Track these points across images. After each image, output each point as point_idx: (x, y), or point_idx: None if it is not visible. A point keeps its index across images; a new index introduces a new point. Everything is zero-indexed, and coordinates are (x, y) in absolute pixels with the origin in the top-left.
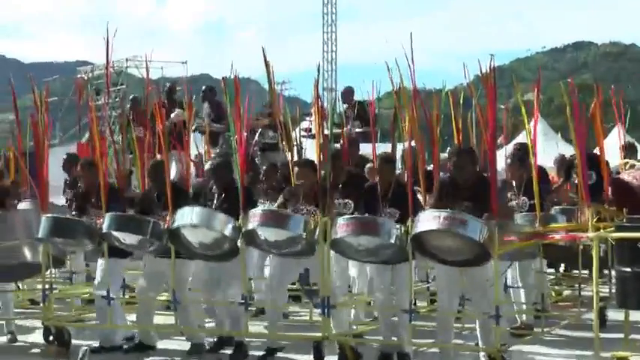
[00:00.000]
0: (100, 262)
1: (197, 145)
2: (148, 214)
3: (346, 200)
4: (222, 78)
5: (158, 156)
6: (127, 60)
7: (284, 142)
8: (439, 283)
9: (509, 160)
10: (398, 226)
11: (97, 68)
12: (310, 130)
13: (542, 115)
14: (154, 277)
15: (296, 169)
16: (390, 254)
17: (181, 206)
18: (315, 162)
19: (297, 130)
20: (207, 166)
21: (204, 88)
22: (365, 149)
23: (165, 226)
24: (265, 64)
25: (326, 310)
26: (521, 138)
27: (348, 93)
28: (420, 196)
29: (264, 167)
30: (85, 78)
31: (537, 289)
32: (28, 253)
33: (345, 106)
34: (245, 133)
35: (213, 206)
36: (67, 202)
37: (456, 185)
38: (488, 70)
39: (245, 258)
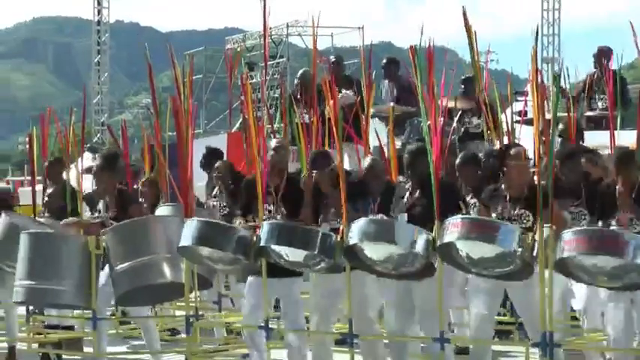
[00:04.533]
0: (251, 280)
1: (378, 133)
2: None
3: (580, 209)
4: (410, 47)
5: (330, 151)
6: (287, 26)
7: (490, 130)
8: None
9: None
10: None
11: (251, 37)
12: (526, 113)
13: None
14: (327, 301)
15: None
16: (635, 278)
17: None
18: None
19: (508, 113)
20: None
21: (385, 60)
22: (597, 139)
23: (338, 238)
24: (466, 28)
25: (547, 350)
26: None
27: (603, 53)
28: None
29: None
30: (237, 49)
31: None
32: (167, 271)
33: (579, 80)
34: (441, 118)
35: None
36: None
37: None
38: None
39: (443, 280)
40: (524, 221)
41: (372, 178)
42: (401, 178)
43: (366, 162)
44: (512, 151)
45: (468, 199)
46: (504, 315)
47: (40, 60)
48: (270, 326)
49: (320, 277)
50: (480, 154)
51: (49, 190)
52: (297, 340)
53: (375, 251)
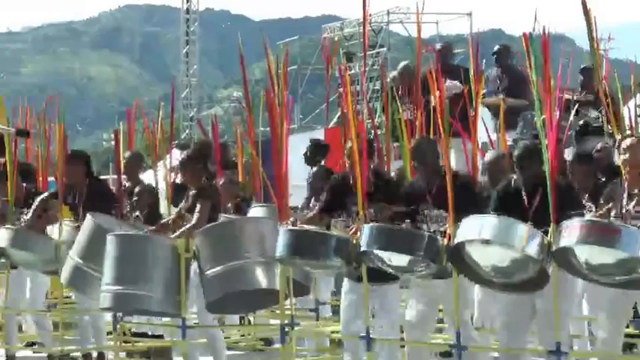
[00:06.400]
0: (347, 285)
1: (487, 128)
2: None
3: None
4: (523, 34)
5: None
6: (388, 12)
7: (610, 124)
8: None
9: None
10: None
11: (349, 25)
12: None
13: None
14: (429, 308)
15: (624, 150)
16: None
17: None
18: None
19: (631, 105)
20: (490, 155)
21: (496, 48)
22: None
23: (445, 242)
24: (585, 14)
25: None
26: None
27: None
28: None
29: (571, 158)
30: (334, 39)
31: None
32: (261, 277)
33: None
34: (557, 112)
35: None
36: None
37: None
38: None
39: (562, 288)
40: None
41: (495, 173)
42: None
43: (490, 155)
44: (627, 142)
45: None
46: (627, 326)
47: (126, 51)
48: (371, 336)
49: (419, 284)
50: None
51: (137, 189)
52: (390, 353)
53: (483, 255)
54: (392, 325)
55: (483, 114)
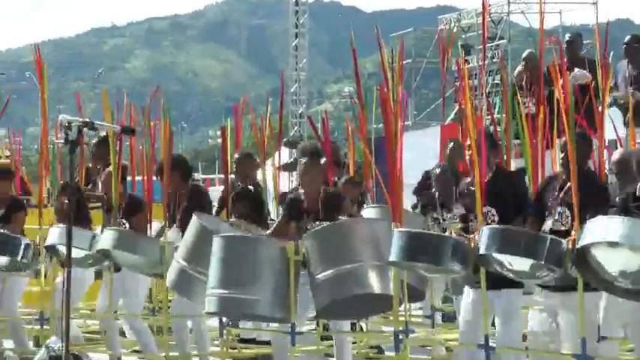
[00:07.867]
0: (468, 293)
1: (615, 124)
2: None
3: None
4: None
5: (557, 142)
6: (509, 2)
7: None
8: None
9: None
10: None
11: (467, 16)
12: None
13: None
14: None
15: None
16: None
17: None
18: None
19: None
20: (616, 154)
21: (627, 38)
22: None
23: (570, 246)
24: None
25: None
26: None
27: None
28: None
29: None
30: (452, 30)
31: None
32: (374, 281)
33: None
34: None
35: None
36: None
37: None
38: None
39: None
40: None
41: (623, 173)
42: None
43: (616, 155)
44: None
45: None
46: None
47: (232, 44)
48: (490, 344)
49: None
50: None
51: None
52: None
53: (610, 259)
54: (513, 333)
55: (611, 109)
